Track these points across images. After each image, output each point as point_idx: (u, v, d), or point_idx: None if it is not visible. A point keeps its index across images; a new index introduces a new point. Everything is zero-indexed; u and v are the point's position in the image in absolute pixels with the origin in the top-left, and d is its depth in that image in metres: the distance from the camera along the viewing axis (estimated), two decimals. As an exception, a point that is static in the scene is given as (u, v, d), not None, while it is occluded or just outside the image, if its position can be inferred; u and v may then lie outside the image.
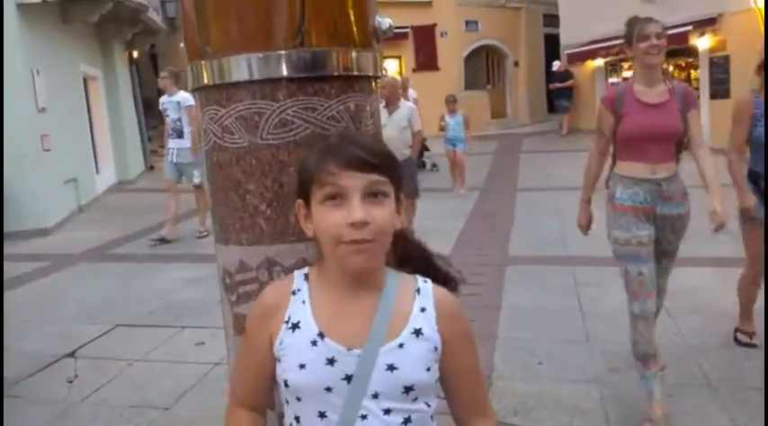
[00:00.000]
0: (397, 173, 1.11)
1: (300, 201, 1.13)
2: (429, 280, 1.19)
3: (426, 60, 17.72)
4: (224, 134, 1.33)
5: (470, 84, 18.63)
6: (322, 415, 1.08)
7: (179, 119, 7.11)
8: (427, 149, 11.74)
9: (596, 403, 3.10)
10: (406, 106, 6.25)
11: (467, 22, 18.27)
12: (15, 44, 7.87)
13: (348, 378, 1.06)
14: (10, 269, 6.25)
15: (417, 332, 1.11)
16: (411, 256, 1.23)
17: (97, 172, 10.86)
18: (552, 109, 18.60)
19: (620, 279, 2.93)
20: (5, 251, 7.23)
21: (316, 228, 1.09)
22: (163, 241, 6.99)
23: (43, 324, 4.61)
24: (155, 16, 13.04)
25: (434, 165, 11.65)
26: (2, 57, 7.45)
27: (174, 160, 7.18)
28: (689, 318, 4.02)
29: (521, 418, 3.00)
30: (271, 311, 1.14)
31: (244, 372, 1.21)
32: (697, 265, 5.07)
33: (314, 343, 1.08)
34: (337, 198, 1.05)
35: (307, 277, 1.17)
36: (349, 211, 1.03)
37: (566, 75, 16.47)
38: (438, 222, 7.45)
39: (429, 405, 1.14)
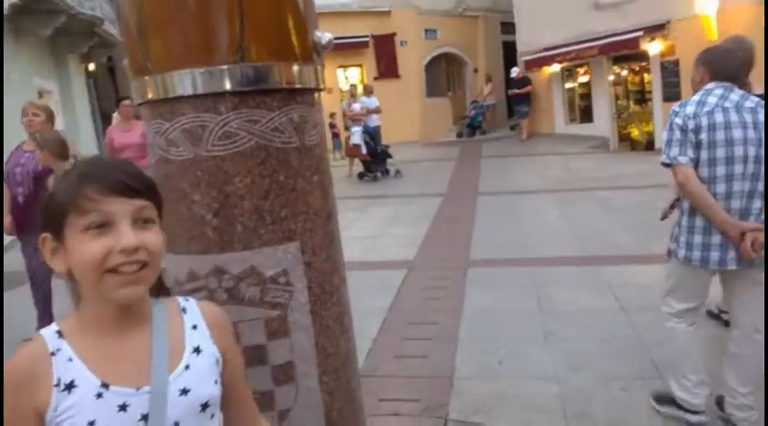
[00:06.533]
0: (158, 198, 1.08)
1: (47, 235, 1.03)
2: (190, 298, 1.18)
3: (387, 68, 17.87)
4: (169, 147, 1.37)
5: (432, 91, 18.85)
6: None
7: None
8: (390, 156, 11.85)
9: (555, 399, 3.18)
10: None
11: (426, 31, 18.48)
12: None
13: (144, 418, 1.01)
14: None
15: (197, 350, 1.10)
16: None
17: (54, 187, 10.65)
18: (511, 114, 18.90)
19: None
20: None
21: (73, 262, 1.00)
22: None
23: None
24: (111, 29, 12.88)
25: (398, 171, 11.76)
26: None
27: None
28: (641, 313, 4.15)
29: (481, 416, 3.06)
30: (28, 383, 1.01)
31: None
32: (648, 262, 5.24)
33: (99, 396, 1.01)
34: (103, 226, 0.99)
35: (60, 333, 1.05)
36: (118, 237, 0.98)
37: (524, 81, 16.77)
38: (402, 227, 7.55)
39: (216, 417, 1.13)
